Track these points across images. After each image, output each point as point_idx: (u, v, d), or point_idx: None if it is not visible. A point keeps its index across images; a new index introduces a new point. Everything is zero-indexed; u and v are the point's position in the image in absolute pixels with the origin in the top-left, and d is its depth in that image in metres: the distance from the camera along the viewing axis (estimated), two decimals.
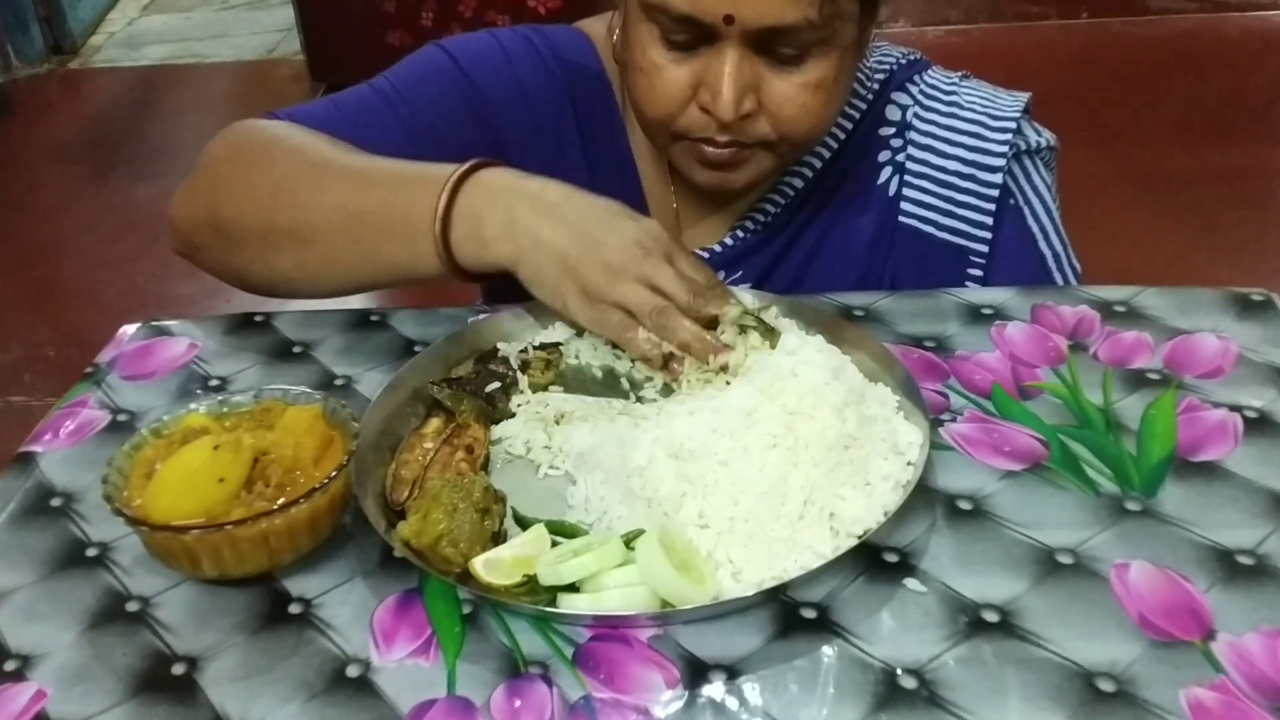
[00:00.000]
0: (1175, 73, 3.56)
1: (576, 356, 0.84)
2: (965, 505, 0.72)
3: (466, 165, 0.82)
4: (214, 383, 0.89)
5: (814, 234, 1.03)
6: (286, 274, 0.89)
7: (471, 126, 0.98)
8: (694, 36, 0.84)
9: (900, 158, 1.01)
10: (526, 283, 0.81)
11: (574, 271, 0.79)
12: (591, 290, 0.78)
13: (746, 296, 0.84)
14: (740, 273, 1.02)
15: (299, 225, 0.86)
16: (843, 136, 1.01)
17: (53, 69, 4.23)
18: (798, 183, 1.01)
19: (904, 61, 1.04)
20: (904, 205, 1.01)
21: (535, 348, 0.84)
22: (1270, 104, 3.36)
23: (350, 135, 0.92)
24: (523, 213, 0.80)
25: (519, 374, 0.82)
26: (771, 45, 0.84)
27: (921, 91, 1.02)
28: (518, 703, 0.61)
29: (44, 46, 4.25)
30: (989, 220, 0.98)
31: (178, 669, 0.65)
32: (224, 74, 4.14)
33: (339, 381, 0.88)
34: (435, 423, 0.78)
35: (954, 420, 0.80)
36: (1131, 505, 0.72)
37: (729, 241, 1.03)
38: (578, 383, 0.82)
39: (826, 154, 1.01)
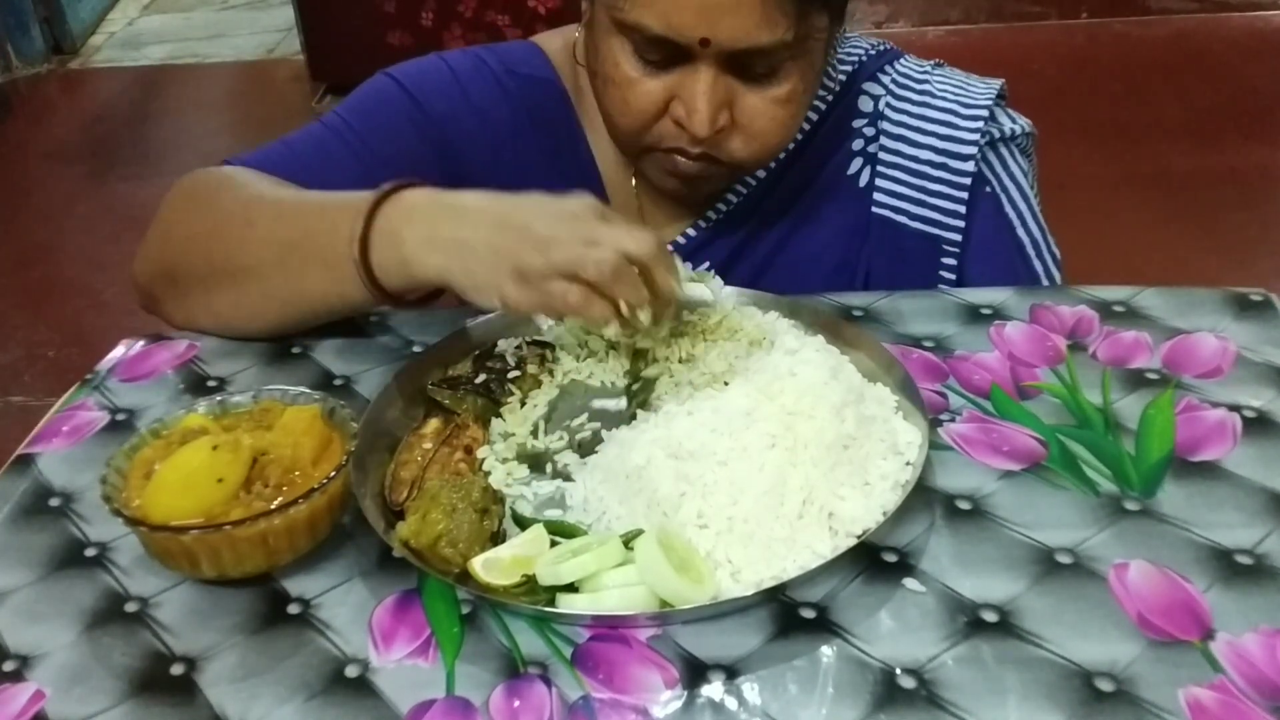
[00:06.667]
0: (1175, 73, 3.56)
1: (578, 365, 0.84)
2: (964, 505, 0.72)
3: (385, 188, 0.81)
4: (213, 383, 0.89)
5: (782, 226, 1.03)
6: (226, 314, 0.91)
7: (424, 151, 0.97)
8: (668, 55, 0.85)
9: (872, 148, 1.02)
10: (461, 291, 0.77)
11: (504, 258, 0.73)
12: (526, 270, 0.72)
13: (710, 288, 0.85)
14: (706, 263, 1.02)
15: (232, 264, 0.88)
16: (807, 128, 1.02)
17: (53, 69, 4.22)
18: (760, 172, 1.02)
19: (873, 52, 1.04)
20: (877, 196, 1.01)
21: (529, 343, 0.84)
22: (1270, 104, 3.35)
23: (304, 174, 0.93)
24: (443, 225, 0.78)
25: (516, 371, 0.82)
26: (745, 64, 0.85)
27: (893, 81, 1.03)
28: (516, 703, 0.61)
29: (44, 46, 4.25)
30: (961, 209, 0.99)
31: (176, 669, 0.65)
32: (224, 74, 4.14)
33: (338, 381, 0.88)
34: (434, 423, 0.78)
35: (953, 420, 0.80)
36: (1130, 505, 0.72)
37: (691, 233, 1.03)
38: (573, 396, 0.83)
39: (790, 145, 1.01)
